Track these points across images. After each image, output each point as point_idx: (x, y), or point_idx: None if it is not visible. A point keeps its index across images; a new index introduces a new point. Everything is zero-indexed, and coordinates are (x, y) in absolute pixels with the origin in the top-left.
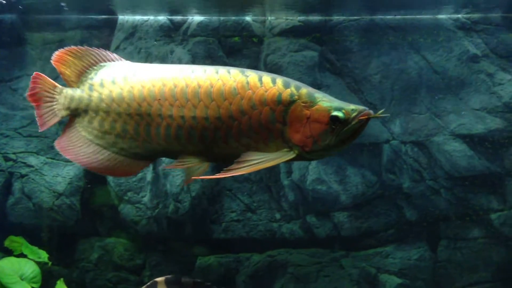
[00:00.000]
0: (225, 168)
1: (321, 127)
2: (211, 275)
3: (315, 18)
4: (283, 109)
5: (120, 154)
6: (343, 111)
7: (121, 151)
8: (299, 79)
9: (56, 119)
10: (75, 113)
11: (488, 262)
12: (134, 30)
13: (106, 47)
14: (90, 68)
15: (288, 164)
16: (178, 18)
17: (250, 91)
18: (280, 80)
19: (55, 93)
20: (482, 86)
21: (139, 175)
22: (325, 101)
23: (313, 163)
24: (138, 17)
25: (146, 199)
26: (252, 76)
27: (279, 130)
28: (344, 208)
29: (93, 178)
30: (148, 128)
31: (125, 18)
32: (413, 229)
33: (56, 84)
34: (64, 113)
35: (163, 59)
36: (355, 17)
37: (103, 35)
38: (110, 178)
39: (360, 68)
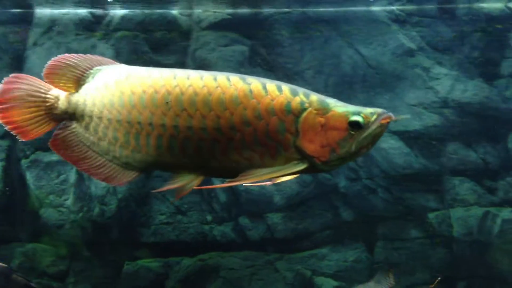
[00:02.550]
0: (228, 180)
1: (339, 134)
2: (139, 281)
3: (244, 11)
4: (293, 118)
5: (113, 163)
6: (362, 115)
7: (113, 159)
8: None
9: (51, 126)
10: (72, 118)
11: (426, 263)
12: (52, 24)
13: (23, 43)
14: (87, 72)
15: None
16: (99, 11)
17: (254, 100)
18: (286, 87)
19: (48, 96)
20: (418, 81)
21: (62, 176)
22: (340, 106)
23: None
24: (56, 11)
25: (69, 202)
26: (255, 84)
27: (289, 142)
28: (278, 209)
29: (12, 181)
30: (138, 137)
31: (43, 11)
32: (349, 230)
33: (47, 85)
34: (61, 117)
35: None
36: (286, 10)
37: (20, 30)
38: (30, 181)
39: (292, 62)
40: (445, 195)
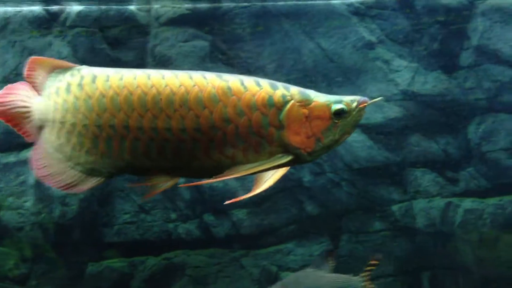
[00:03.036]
0: (215, 176)
1: (323, 124)
2: (103, 282)
3: (203, 5)
4: (277, 112)
5: (74, 169)
6: (344, 103)
7: (76, 166)
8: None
9: (32, 131)
10: (43, 124)
11: (390, 255)
12: (6, 22)
13: None
14: (50, 75)
15: None
16: (55, 8)
17: (234, 97)
18: (264, 82)
19: (30, 103)
20: (379, 74)
21: (21, 177)
22: (321, 97)
23: None
24: (9, 8)
25: (29, 204)
26: (233, 81)
27: (273, 135)
28: (243, 205)
29: None
30: (110, 141)
31: None
32: (314, 224)
33: (31, 93)
34: (36, 123)
35: (40, 53)
36: (246, 4)
37: None
38: None
39: (253, 57)
40: (408, 187)
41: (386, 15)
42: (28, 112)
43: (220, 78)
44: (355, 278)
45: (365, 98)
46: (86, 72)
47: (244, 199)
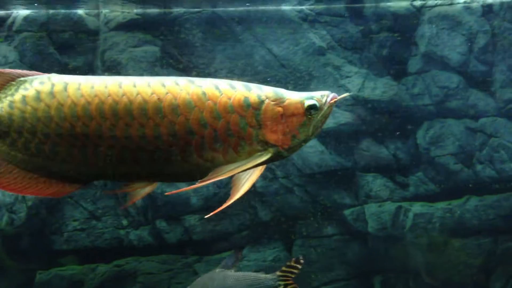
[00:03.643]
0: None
1: (298, 120)
2: None
3: (153, 10)
4: (253, 112)
5: (49, 177)
6: (315, 98)
7: (50, 174)
8: (140, 76)
9: None
10: None
11: (343, 259)
12: None
13: None
14: (8, 84)
15: None
16: (1, 12)
17: (210, 101)
18: (237, 84)
19: None
20: (330, 79)
21: None
22: (293, 94)
23: None
24: None
25: None
26: (207, 86)
27: (251, 135)
28: (196, 211)
29: None
30: (84, 150)
31: None
32: (267, 229)
33: None
34: None
35: None
36: (196, 9)
37: None
38: None
39: (205, 63)
40: (359, 192)
41: (336, 21)
42: None
43: (193, 83)
44: (268, 276)
45: (334, 94)
46: (57, 79)
47: (196, 206)
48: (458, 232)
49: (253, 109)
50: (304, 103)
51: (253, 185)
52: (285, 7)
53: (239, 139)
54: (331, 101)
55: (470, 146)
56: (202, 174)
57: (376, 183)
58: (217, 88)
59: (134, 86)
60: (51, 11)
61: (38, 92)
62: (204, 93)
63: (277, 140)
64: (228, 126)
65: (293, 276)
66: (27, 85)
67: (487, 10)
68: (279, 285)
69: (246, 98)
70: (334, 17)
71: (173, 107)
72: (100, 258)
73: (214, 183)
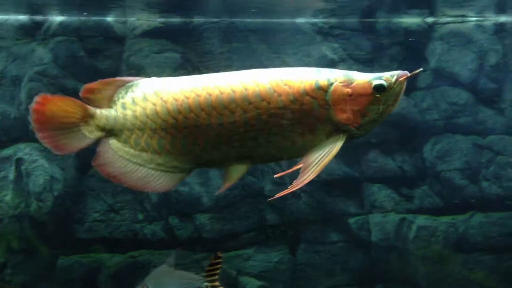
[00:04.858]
0: (294, 181)
1: (366, 100)
2: (72, 275)
3: (176, 20)
4: (323, 94)
5: (158, 170)
6: (384, 78)
7: (158, 167)
8: None
9: (86, 142)
10: (109, 134)
11: (346, 266)
12: None
13: None
14: (120, 89)
15: None
16: (39, 17)
17: (286, 86)
18: (309, 69)
19: (84, 114)
20: None
21: (2, 173)
22: (361, 75)
23: None
24: None
25: (8, 198)
26: (283, 73)
27: (323, 115)
28: (206, 210)
29: None
30: (185, 140)
31: None
32: (273, 232)
33: (87, 105)
34: (98, 134)
35: (24, 58)
36: (215, 20)
37: None
38: None
39: (222, 71)
40: (364, 201)
41: (349, 35)
42: (83, 123)
43: (270, 72)
44: (196, 276)
45: (405, 72)
46: (158, 81)
47: (207, 205)
48: (461, 247)
49: (323, 91)
50: (371, 83)
51: (261, 189)
52: (300, 20)
53: (314, 119)
54: (401, 79)
55: (476, 162)
56: (286, 155)
57: (381, 194)
58: (292, 74)
59: (223, 79)
60: (83, 18)
61: (144, 93)
62: (281, 80)
63: (347, 119)
64: (303, 108)
65: (217, 273)
66: (134, 88)
67: (499, 28)
68: (206, 286)
69: (316, 81)
70: (347, 31)
71: (256, 94)
72: (116, 248)
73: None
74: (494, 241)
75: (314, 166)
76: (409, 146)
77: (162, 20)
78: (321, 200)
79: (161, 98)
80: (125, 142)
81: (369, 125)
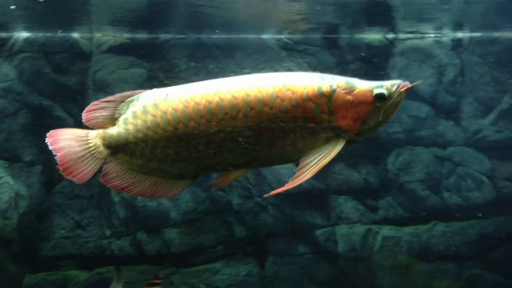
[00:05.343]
0: (291, 179)
1: (367, 108)
2: None
3: (142, 36)
4: (326, 100)
5: (165, 177)
6: (385, 87)
7: (165, 174)
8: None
9: (99, 163)
10: (116, 150)
11: (313, 277)
12: None
13: None
14: (120, 106)
15: None
16: (4, 34)
17: (288, 92)
18: (312, 75)
19: (89, 139)
20: None
21: None
22: (363, 83)
23: None
24: None
25: None
26: (285, 79)
27: (325, 121)
28: (175, 225)
29: None
30: (188, 148)
31: None
32: (242, 245)
33: (85, 130)
34: (106, 153)
35: None
36: (182, 36)
37: None
38: None
39: None
40: (331, 213)
41: (312, 51)
42: (92, 149)
43: (273, 77)
44: None
45: (406, 82)
46: (155, 93)
47: (175, 220)
48: (425, 256)
49: (325, 97)
50: (373, 92)
51: (229, 203)
52: (265, 36)
53: (315, 124)
54: (401, 89)
55: (438, 173)
56: (286, 159)
57: (347, 206)
58: (294, 80)
59: (223, 86)
60: (48, 34)
61: (144, 106)
62: (284, 85)
63: (347, 126)
64: (305, 113)
65: None
66: (134, 102)
67: (457, 44)
68: None
69: (319, 88)
70: (310, 47)
71: (258, 100)
72: (84, 265)
73: (193, 199)
74: (456, 250)
75: (312, 165)
76: (373, 159)
77: (128, 36)
78: (288, 212)
79: (161, 109)
80: (132, 154)
81: (368, 132)
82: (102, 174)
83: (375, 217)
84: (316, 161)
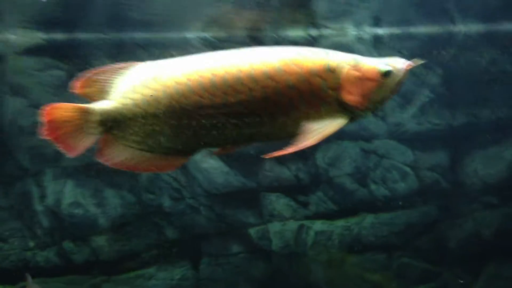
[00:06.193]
0: (291, 143)
1: (373, 84)
2: None
3: (59, 36)
4: (333, 75)
5: (164, 153)
6: (390, 65)
7: (164, 150)
8: (46, 99)
9: (92, 139)
10: (110, 126)
11: (248, 276)
12: None
13: None
14: (112, 77)
15: (41, 188)
16: None
17: (295, 66)
18: (318, 50)
19: (83, 114)
20: None
21: None
22: (368, 60)
23: (69, 186)
24: None
25: None
26: (292, 53)
27: (332, 96)
28: (103, 232)
29: None
30: (190, 123)
31: None
32: (175, 249)
33: (80, 105)
34: (100, 129)
35: None
36: (102, 35)
37: None
38: None
39: None
40: (263, 211)
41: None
42: (84, 123)
43: (279, 51)
44: None
45: (410, 62)
46: (155, 64)
47: (104, 226)
48: (356, 249)
49: (332, 72)
50: (380, 68)
51: (159, 205)
52: (189, 35)
53: (321, 100)
54: (406, 67)
55: (364, 166)
56: (288, 135)
57: (279, 203)
58: (301, 54)
59: (228, 58)
60: None
61: (143, 80)
62: (290, 59)
63: (353, 101)
64: (312, 88)
65: None
66: (129, 75)
67: (377, 40)
68: None
69: (327, 63)
70: (235, 44)
71: (264, 73)
72: (7, 279)
73: (122, 204)
74: (385, 240)
75: (315, 133)
76: (302, 155)
77: (44, 36)
78: (220, 212)
79: (161, 83)
80: (128, 131)
81: (372, 108)
82: (96, 152)
83: (307, 213)
84: (320, 130)
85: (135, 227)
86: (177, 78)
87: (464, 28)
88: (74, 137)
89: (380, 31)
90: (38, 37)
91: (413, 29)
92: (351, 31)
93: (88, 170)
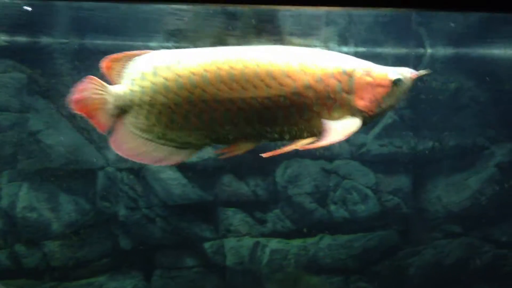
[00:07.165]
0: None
1: (384, 91)
2: None
3: (22, 39)
4: (348, 79)
5: (168, 145)
6: (400, 73)
7: (170, 142)
8: (6, 101)
9: (112, 120)
10: (122, 110)
11: None
12: None
13: None
14: (128, 64)
15: None
16: None
17: (312, 66)
18: (334, 53)
19: (105, 93)
20: None
21: None
22: (379, 67)
23: (24, 189)
24: None
25: None
26: (311, 53)
27: (345, 99)
28: (56, 237)
29: None
30: (201, 115)
31: None
32: (128, 258)
33: (104, 83)
34: (115, 111)
35: None
36: (64, 40)
37: None
38: None
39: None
40: (219, 225)
41: None
42: (104, 102)
43: (298, 51)
44: None
45: (415, 71)
46: (169, 54)
47: (57, 231)
48: (312, 270)
49: (348, 76)
50: (391, 76)
51: (115, 214)
52: (152, 44)
53: (334, 102)
54: (413, 77)
55: (324, 186)
56: (298, 134)
57: (236, 218)
58: (318, 55)
59: (246, 53)
60: None
61: (155, 68)
62: (308, 60)
63: (364, 107)
64: (327, 89)
65: None
66: (143, 62)
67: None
68: None
69: (343, 66)
70: None
71: (282, 71)
72: None
73: (77, 210)
74: (342, 263)
75: (340, 130)
76: (261, 171)
77: (6, 38)
78: (176, 224)
79: (175, 72)
80: (136, 117)
81: (380, 114)
82: (110, 137)
83: (263, 230)
84: (345, 127)
85: (89, 234)
86: (193, 68)
87: (432, 50)
88: (100, 114)
89: (346, 49)
90: (1, 39)
91: (380, 50)
92: (318, 48)
93: (44, 174)
